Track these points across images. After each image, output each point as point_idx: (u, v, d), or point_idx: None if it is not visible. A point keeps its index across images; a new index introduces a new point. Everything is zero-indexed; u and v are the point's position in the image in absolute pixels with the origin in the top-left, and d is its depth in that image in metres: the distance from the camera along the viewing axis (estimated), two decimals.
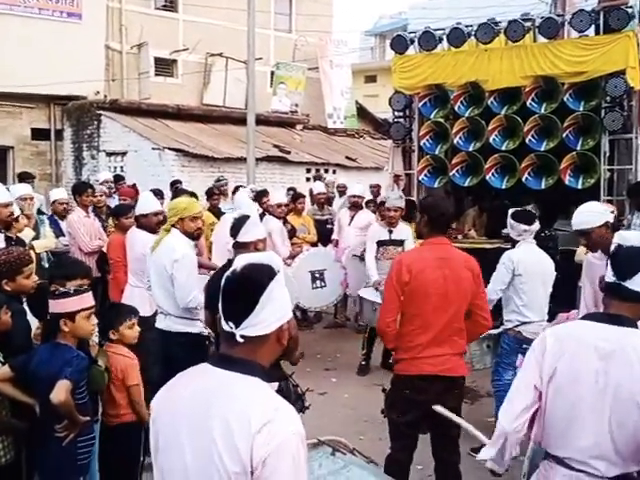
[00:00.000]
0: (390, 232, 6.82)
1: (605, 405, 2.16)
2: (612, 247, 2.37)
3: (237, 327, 1.68)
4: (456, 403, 3.74)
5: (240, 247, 3.81)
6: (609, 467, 2.16)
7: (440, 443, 3.80)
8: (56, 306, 3.24)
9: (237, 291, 1.72)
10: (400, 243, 6.80)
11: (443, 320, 3.62)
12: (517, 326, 4.95)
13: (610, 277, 2.28)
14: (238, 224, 3.90)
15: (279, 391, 3.56)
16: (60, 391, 3.07)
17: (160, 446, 1.75)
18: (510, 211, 5.24)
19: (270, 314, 1.70)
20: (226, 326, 1.70)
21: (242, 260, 1.77)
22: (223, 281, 1.76)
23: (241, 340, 1.67)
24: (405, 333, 3.69)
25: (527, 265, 4.85)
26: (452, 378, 3.68)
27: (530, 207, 7.46)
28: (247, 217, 3.93)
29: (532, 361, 2.32)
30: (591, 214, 3.67)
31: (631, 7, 7.92)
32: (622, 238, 2.39)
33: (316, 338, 8.03)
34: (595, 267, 3.85)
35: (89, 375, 3.35)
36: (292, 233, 8.13)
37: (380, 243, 6.86)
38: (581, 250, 6.85)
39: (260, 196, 8.42)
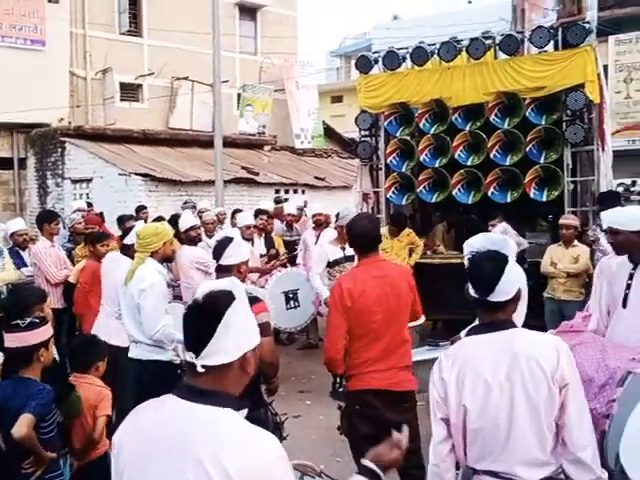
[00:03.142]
0: (343, 249, 6.84)
1: (517, 410, 2.23)
2: (465, 258, 2.42)
3: (197, 357, 1.63)
4: (409, 417, 3.74)
5: (223, 270, 3.68)
6: (534, 470, 2.23)
7: (403, 458, 3.79)
8: (32, 337, 3.14)
9: (195, 320, 1.68)
10: (353, 258, 6.84)
11: (388, 335, 3.66)
12: None
13: (473, 294, 2.34)
14: (221, 246, 3.73)
15: (257, 419, 3.51)
16: (22, 425, 2.99)
17: None
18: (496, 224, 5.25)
19: (230, 342, 1.65)
20: (187, 356, 1.65)
21: (203, 288, 1.74)
22: (185, 309, 1.72)
23: (202, 370, 1.63)
24: (352, 351, 3.71)
25: None
26: (401, 393, 3.71)
27: (496, 221, 7.56)
28: (230, 239, 3.77)
29: (435, 395, 2.36)
30: (630, 217, 3.63)
31: (588, 22, 8.13)
32: (468, 245, 2.45)
33: (289, 360, 7.95)
34: (612, 270, 3.83)
35: (67, 401, 3.29)
36: (277, 255, 8.16)
37: (335, 262, 6.87)
38: (546, 262, 6.94)
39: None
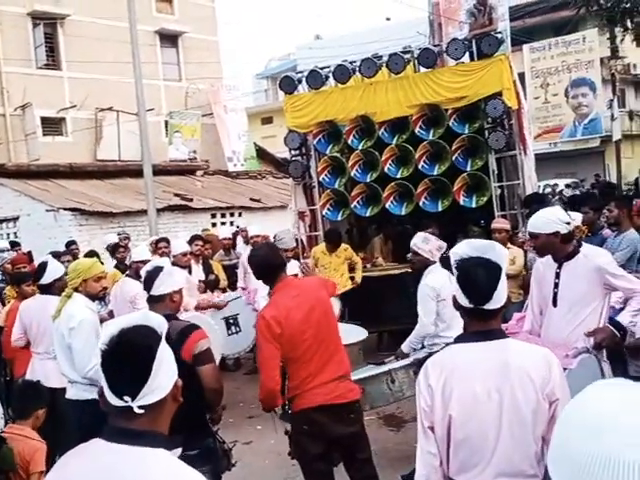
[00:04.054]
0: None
1: (505, 422, 2.18)
2: (454, 262, 2.34)
3: (133, 399, 1.57)
4: (356, 428, 3.77)
5: (155, 301, 3.58)
6: None
7: (354, 469, 3.83)
8: None
9: (126, 361, 1.59)
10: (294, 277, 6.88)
11: (321, 347, 3.66)
12: (443, 348, 4.98)
13: (467, 304, 2.26)
14: (151, 276, 3.63)
15: (206, 449, 3.43)
16: None
17: None
18: (421, 235, 5.34)
19: (164, 377, 1.61)
20: (118, 401, 1.58)
21: (114, 326, 1.65)
22: (102, 352, 1.62)
23: (141, 411, 1.57)
24: (290, 373, 3.69)
25: (446, 288, 4.92)
26: (345, 404, 3.70)
27: (430, 230, 7.70)
28: (160, 268, 3.67)
29: (422, 403, 2.29)
30: (544, 220, 3.74)
31: (500, 33, 8.47)
32: (454, 253, 2.35)
33: (237, 385, 7.83)
34: (540, 272, 3.95)
35: None
36: (217, 282, 8.04)
37: None
38: None
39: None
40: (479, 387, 2.20)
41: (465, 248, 2.32)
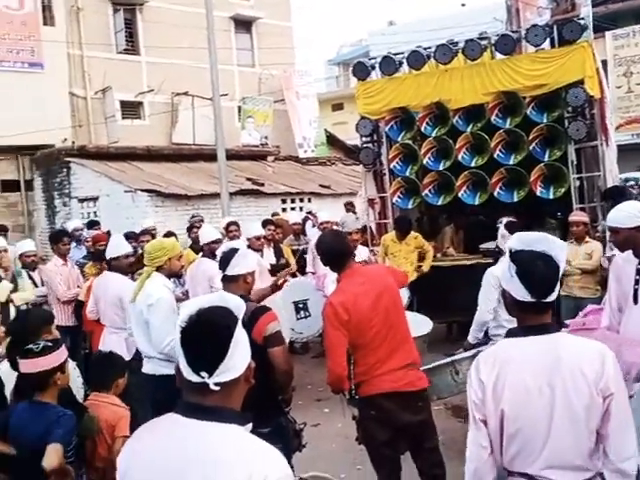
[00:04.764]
0: (353, 256, 6.90)
1: (557, 416, 2.16)
2: (510, 255, 2.29)
3: (210, 376, 1.63)
4: (424, 416, 3.77)
5: (230, 281, 3.70)
6: (570, 475, 2.17)
7: (421, 458, 3.83)
8: (47, 361, 3.09)
9: (205, 339, 1.65)
10: (365, 263, 6.88)
11: (389, 335, 3.67)
12: None
13: (527, 297, 2.22)
14: (227, 257, 3.74)
15: (278, 427, 3.52)
16: (53, 457, 2.93)
17: None
18: (504, 220, 5.27)
19: (239, 357, 1.67)
20: (195, 377, 1.64)
21: (194, 305, 1.71)
22: (181, 330, 1.69)
23: (217, 388, 1.62)
24: (357, 359, 3.70)
25: None
26: (413, 392, 3.70)
27: (505, 220, 7.55)
28: (235, 249, 3.79)
29: (472, 396, 2.28)
30: (626, 214, 3.66)
31: (583, 19, 8.15)
32: (509, 247, 2.30)
33: (305, 369, 7.94)
34: (619, 267, 3.85)
35: (81, 423, 3.25)
36: (287, 265, 8.15)
37: None
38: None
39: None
40: (531, 382, 2.19)
41: (520, 242, 2.29)
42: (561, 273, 2.25)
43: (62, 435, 3.03)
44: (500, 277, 2.36)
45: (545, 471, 2.18)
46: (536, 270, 2.21)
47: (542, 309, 2.24)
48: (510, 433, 2.21)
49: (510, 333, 2.34)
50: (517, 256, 2.26)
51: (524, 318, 2.29)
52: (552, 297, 2.23)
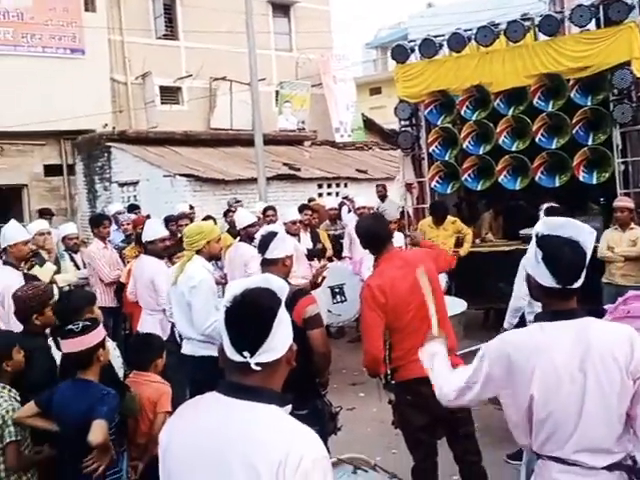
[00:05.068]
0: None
1: (588, 401, 2.16)
2: (536, 240, 2.25)
3: (252, 355, 1.65)
4: None
5: (269, 264, 3.74)
6: (601, 458, 2.17)
7: (457, 444, 3.81)
8: (88, 340, 3.16)
9: (248, 319, 1.68)
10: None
11: (427, 320, 3.61)
12: None
13: (553, 284, 2.20)
14: (266, 240, 3.80)
15: (314, 410, 3.54)
16: (98, 432, 3.01)
17: None
18: (544, 206, 5.18)
19: (281, 338, 1.69)
20: (238, 356, 1.66)
21: (239, 286, 1.74)
22: (225, 310, 1.71)
23: (258, 368, 1.64)
24: (394, 343, 3.71)
25: None
26: None
27: (546, 205, 7.41)
28: (274, 233, 3.84)
29: (490, 370, 2.29)
30: None
31: None
32: (536, 233, 2.26)
33: (340, 353, 7.96)
34: None
35: (123, 401, 3.33)
36: (323, 251, 8.19)
37: None
38: (602, 246, 6.78)
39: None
40: (562, 367, 2.17)
41: (547, 226, 2.26)
42: (588, 259, 2.21)
43: (106, 412, 3.10)
44: (526, 263, 2.34)
45: (575, 454, 2.18)
46: (563, 256, 2.18)
47: (568, 295, 2.22)
48: (541, 418, 2.20)
49: (538, 317, 2.32)
50: (543, 241, 2.23)
51: (550, 303, 2.28)
52: (578, 284, 2.21)
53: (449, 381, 2.49)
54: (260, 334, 1.65)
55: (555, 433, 2.20)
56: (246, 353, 1.64)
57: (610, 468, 2.17)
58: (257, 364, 1.64)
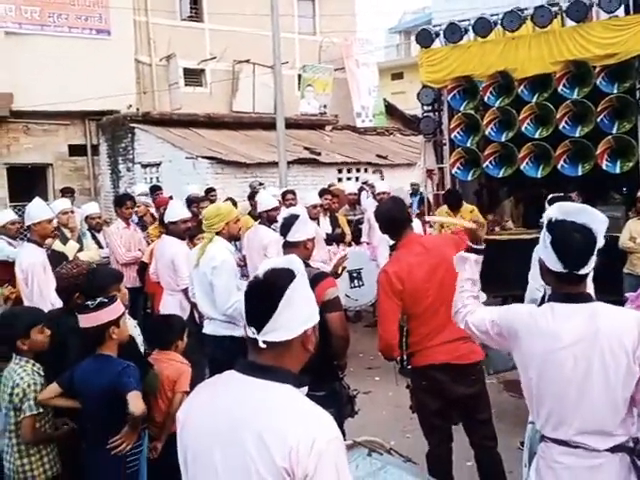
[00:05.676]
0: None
1: (593, 383, 2.19)
2: (547, 225, 2.29)
3: (259, 332, 1.66)
4: (477, 389, 3.77)
5: (290, 246, 3.78)
6: (603, 440, 2.20)
7: (473, 430, 3.83)
8: (101, 316, 3.21)
9: (257, 296, 1.71)
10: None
11: (444, 306, 3.59)
12: None
13: (560, 269, 2.23)
14: (288, 223, 3.83)
15: (332, 392, 3.59)
16: (138, 402, 3.09)
17: (189, 460, 1.72)
18: (549, 197, 5.15)
19: (291, 318, 1.67)
20: (249, 332, 1.68)
21: (264, 265, 1.77)
22: (246, 287, 1.76)
23: (264, 346, 1.65)
24: (411, 329, 3.72)
25: None
26: (465, 365, 3.69)
27: (573, 195, 7.33)
28: (296, 216, 3.87)
29: (497, 324, 2.45)
30: None
31: None
32: (547, 217, 2.30)
33: (357, 337, 8.01)
34: None
35: (145, 379, 3.39)
36: (342, 236, 8.21)
37: None
38: (624, 237, 6.73)
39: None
40: (565, 350, 2.21)
41: (559, 212, 2.27)
42: (597, 247, 2.24)
43: (135, 383, 3.16)
44: (537, 248, 2.37)
45: (578, 436, 2.22)
46: (571, 242, 2.21)
47: (575, 280, 2.25)
48: (541, 395, 2.26)
49: (550, 298, 2.36)
50: (554, 226, 2.26)
51: (559, 287, 2.31)
52: (585, 270, 2.23)
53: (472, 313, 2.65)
54: (265, 311, 1.66)
55: (556, 413, 2.24)
56: (253, 329, 1.67)
57: (613, 450, 2.20)
58: (265, 342, 1.65)
